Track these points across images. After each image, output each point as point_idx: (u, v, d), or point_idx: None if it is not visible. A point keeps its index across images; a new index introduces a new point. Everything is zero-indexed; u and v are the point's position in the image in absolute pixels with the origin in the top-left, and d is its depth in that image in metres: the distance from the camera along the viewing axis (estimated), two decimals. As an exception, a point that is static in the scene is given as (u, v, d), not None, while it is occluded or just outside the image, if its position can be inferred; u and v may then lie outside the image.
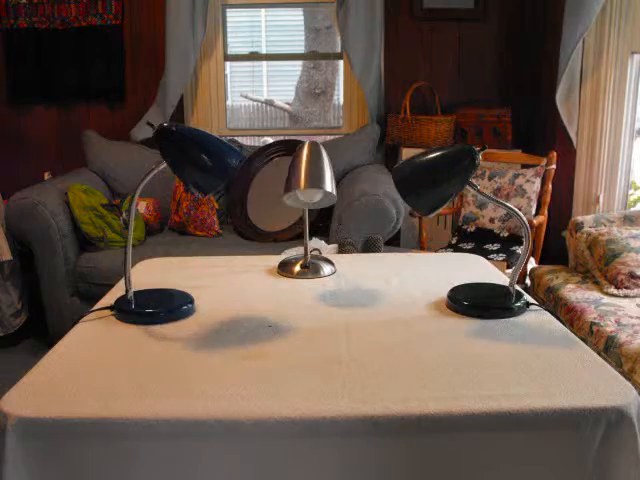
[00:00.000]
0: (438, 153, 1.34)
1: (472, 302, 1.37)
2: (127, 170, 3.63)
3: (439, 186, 1.31)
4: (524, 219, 1.34)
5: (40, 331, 3.18)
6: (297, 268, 1.64)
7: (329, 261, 1.69)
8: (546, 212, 3.16)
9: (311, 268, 1.64)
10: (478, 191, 1.32)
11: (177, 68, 3.71)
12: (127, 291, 1.36)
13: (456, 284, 1.47)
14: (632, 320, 2.27)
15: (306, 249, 1.67)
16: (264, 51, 4.39)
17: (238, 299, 1.48)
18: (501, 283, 1.52)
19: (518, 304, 1.36)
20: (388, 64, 3.82)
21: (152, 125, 1.29)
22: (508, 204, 1.37)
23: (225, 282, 1.60)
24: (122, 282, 1.60)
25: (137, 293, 1.39)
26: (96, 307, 1.40)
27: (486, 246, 3.21)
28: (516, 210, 1.35)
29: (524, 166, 3.35)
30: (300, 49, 4.36)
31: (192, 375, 1.09)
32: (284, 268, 1.66)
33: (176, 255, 1.87)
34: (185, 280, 1.58)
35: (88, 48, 3.81)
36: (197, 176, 1.28)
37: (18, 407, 0.98)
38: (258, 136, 4.47)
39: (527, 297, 1.42)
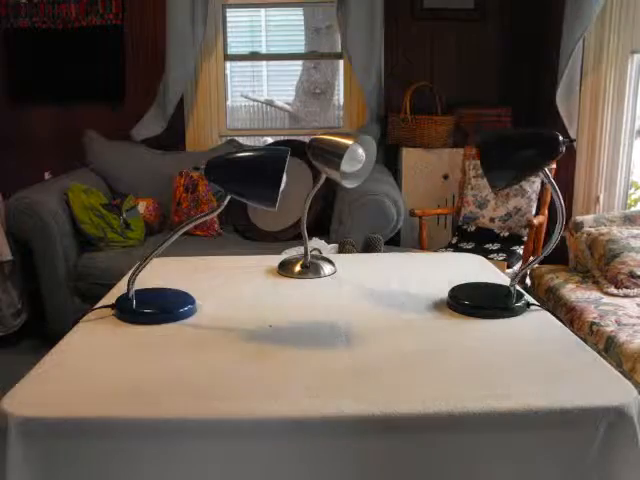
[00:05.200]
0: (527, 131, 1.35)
1: (473, 302, 1.37)
2: (127, 170, 3.63)
3: (517, 160, 1.31)
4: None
5: (40, 331, 3.18)
6: (297, 268, 1.64)
7: (329, 261, 1.69)
8: (546, 212, 3.16)
9: (311, 268, 1.64)
10: (550, 182, 1.30)
11: (177, 68, 3.70)
12: (129, 290, 1.36)
13: (456, 284, 1.47)
14: (632, 320, 2.27)
15: (306, 249, 1.67)
16: (264, 51, 4.40)
17: (239, 299, 1.48)
18: (501, 283, 1.52)
19: (519, 304, 1.36)
20: (388, 64, 3.82)
21: (199, 168, 1.31)
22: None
23: (225, 282, 1.60)
24: (123, 282, 1.60)
25: (138, 292, 1.39)
26: (97, 306, 1.40)
27: (486, 246, 3.21)
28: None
29: (524, 166, 3.34)
30: (300, 49, 4.36)
31: (192, 375, 1.09)
32: (284, 268, 1.66)
33: (176, 255, 1.86)
34: (185, 280, 1.58)
35: (88, 48, 3.81)
36: (259, 190, 1.29)
37: (19, 407, 0.98)
38: (258, 136, 4.47)
39: (527, 297, 1.42)
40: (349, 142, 1.46)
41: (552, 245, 1.32)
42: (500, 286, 1.48)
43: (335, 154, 1.46)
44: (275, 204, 1.27)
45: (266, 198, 1.27)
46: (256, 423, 0.96)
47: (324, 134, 1.55)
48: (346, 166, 1.49)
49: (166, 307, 1.37)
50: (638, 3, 3.02)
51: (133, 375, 1.09)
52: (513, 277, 1.42)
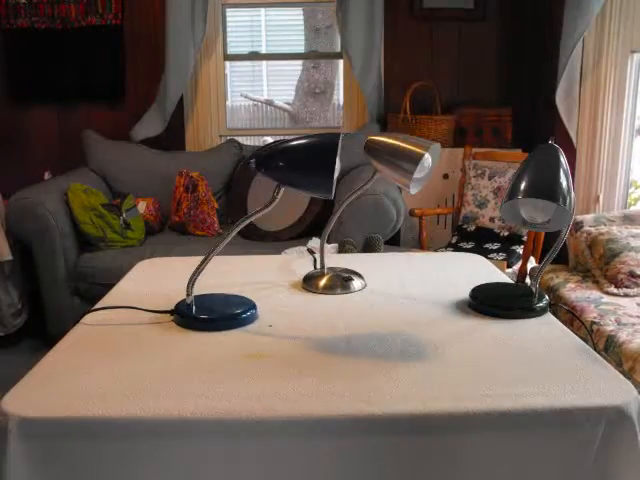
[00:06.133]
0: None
1: (493, 302, 1.36)
2: (127, 170, 3.63)
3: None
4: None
5: (40, 331, 3.18)
6: (323, 282, 1.56)
7: (359, 275, 1.61)
8: (546, 212, 3.16)
9: (339, 284, 1.57)
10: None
11: (177, 68, 3.70)
12: (188, 295, 1.32)
13: (458, 284, 1.47)
14: (632, 319, 2.27)
15: (322, 262, 1.62)
16: (264, 51, 4.40)
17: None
18: (503, 282, 1.52)
19: (541, 304, 1.35)
20: (388, 64, 3.82)
21: (249, 162, 1.27)
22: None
23: (226, 283, 1.59)
24: (122, 282, 1.60)
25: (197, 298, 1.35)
26: (96, 307, 1.40)
27: (486, 245, 3.21)
28: None
29: (524, 166, 3.34)
30: (300, 49, 4.37)
31: (191, 374, 1.09)
32: (309, 283, 1.57)
33: (176, 255, 1.86)
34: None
35: (88, 48, 3.81)
36: (317, 177, 1.25)
37: (19, 407, 0.98)
38: (258, 136, 4.47)
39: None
40: (423, 152, 1.42)
41: (561, 242, 1.32)
42: (517, 286, 1.47)
43: (410, 160, 1.42)
44: (331, 192, 1.23)
45: (322, 186, 1.23)
46: (256, 423, 0.96)
47: (387, 136, 1.50)
48: (417, 174, 1.46)
49: (229, 313, 1.33)
50: (638, 3, 3.02)
51: (132, 375, 1.09)
52: (534, 276, 1.40)
